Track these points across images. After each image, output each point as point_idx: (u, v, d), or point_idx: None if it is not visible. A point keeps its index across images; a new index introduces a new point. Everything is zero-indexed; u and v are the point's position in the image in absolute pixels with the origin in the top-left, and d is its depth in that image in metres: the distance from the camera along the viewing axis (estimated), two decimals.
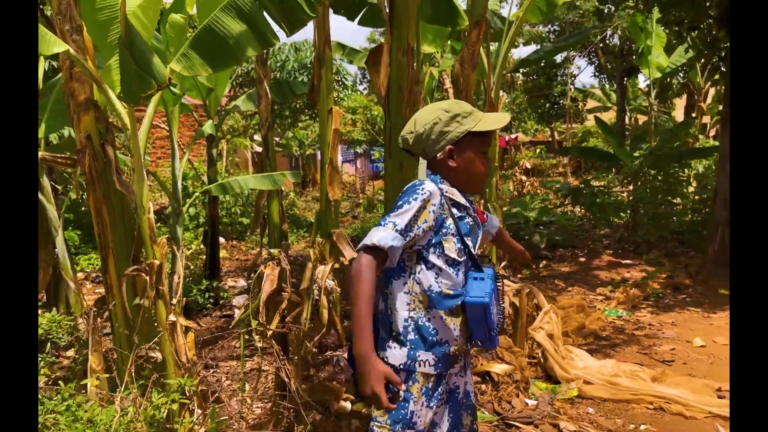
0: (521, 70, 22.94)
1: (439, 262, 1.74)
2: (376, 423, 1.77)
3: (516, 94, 26.57)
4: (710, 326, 4.97)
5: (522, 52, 52.05)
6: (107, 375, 2.78)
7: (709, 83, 13.19)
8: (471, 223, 1.84)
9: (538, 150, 21.57)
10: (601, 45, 19.98)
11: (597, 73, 23.11)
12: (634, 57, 13.85)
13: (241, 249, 9.64)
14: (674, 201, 8.54)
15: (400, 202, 1.69)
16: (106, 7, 2.55)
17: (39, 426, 2.10)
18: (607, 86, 23.42)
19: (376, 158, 18.67)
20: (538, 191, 13.15)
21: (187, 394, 2.52)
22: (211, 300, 5.80)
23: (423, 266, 1.75)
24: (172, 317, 2.67)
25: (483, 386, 3.65)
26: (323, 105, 4.09)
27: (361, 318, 1.62)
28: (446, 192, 1.76)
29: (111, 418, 1.98)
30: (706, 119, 17.14)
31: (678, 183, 8.32)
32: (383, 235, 1.64)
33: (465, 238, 1.78)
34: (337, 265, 3.92)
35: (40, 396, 2.35)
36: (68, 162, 3.43)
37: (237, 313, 5.77)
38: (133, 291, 2.87)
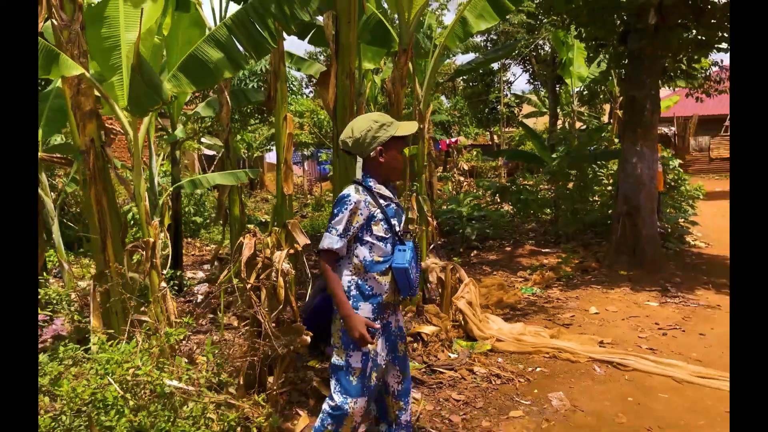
0: (461, 78, 24.06)
1: (372, 239, 2.50)
2: (335, 348, 2.53)
3: (457, 99, 27.74)
4: (606, 299, 5.94)
5: (464, 59, 53.61)
6: (107, 332, 3.42)
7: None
8: (395, 208, 2.61)
9: (475, 153, 22.67)
10: (534, 54, 21.33)
11: (531, 80, 24.54)
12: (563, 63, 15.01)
13: (195, 245, 10.18)
14: (591, 198, 9.62)
15: (336, 211, 2.46)
16: (109, 36, 3.20)
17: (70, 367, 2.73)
18: (542, 92, 24.65)
19: (324, 160, 19.34)
20: (474, 191, 14.15)
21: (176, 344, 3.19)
22: (176, 287, 6.39)
23: (359, 244, 2.50)
24: (163, 284, 3.34)
25: (415, 345, 4.45)
26: (278, 113, 4.83)
27: (338, 293, 2.43)
28: (375, 189, 2.52)
29: (130, 350, 2.65)
30: None
31: (592, 181, 9.40)
32: (330, 240, 2.42)
33: (391, 220, 2.55)
34: (291, 251, 4.63)
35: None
36: (63, 161, 4.04)
37: (200, 297, 6.40)
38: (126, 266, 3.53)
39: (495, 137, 27.54)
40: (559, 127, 17.90)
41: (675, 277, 6.73)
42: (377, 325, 2.47)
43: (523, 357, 4.36)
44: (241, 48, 3.31)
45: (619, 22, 7.79)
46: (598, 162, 9.65)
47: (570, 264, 7.37)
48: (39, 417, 2.29)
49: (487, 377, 3.97)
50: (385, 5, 5.55)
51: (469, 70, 10.05)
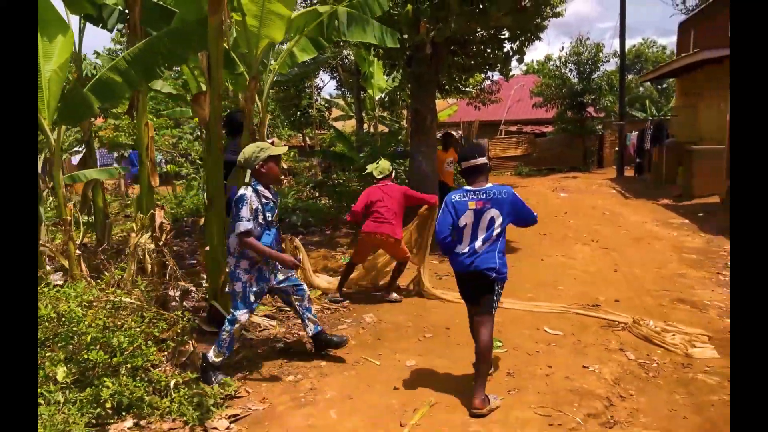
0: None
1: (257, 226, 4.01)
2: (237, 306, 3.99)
3: (268, 102, 28.94)
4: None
5: None
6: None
7: None
8: (272, 204, 4.13)
9: (292, 153, 24.16)
10: (341, 64, 23.47)
11: (339, 87, 26.70)
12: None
13: None
14: None
15: (240, 206, 3.91)
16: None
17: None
18: (348, 98, 26.74)
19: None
20: (293, 187, 15.72)
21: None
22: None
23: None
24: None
25: (267, 296, 5.92)
26: (140, 120, 5.96)
27: (268, 251, 3.96)
28: (261, 191, 4.03)
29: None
30: None
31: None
32: (243, 224, 3.88)
33: (267, 213, 4.06)
34: (156, 235, 5.81)
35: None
36: None
37: None
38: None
39: (308, 139, 29.31)
40: (365, 130, 20.12)
41: None
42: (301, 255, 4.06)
43: (351, 297, 6.08)
44: (135, 74, 4.51)
45: (407, 44, 9.93)
46: (397, 160, 11.81)
47: None
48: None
49: (321, 309, 5.62)
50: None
51: (286, 81, 11.61)
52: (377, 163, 6.21)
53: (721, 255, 8.01)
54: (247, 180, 4.49)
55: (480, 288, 3.72)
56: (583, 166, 25.63)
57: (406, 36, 8.30)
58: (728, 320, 5.29)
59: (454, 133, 24.56)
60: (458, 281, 3.89)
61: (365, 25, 6.13)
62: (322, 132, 29.16)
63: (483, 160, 3.78)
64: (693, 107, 18.58)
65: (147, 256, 5.48)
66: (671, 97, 30.87)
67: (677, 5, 33.12)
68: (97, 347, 3.52)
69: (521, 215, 3.76)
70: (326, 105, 27.95)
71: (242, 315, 4.02)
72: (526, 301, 5.84)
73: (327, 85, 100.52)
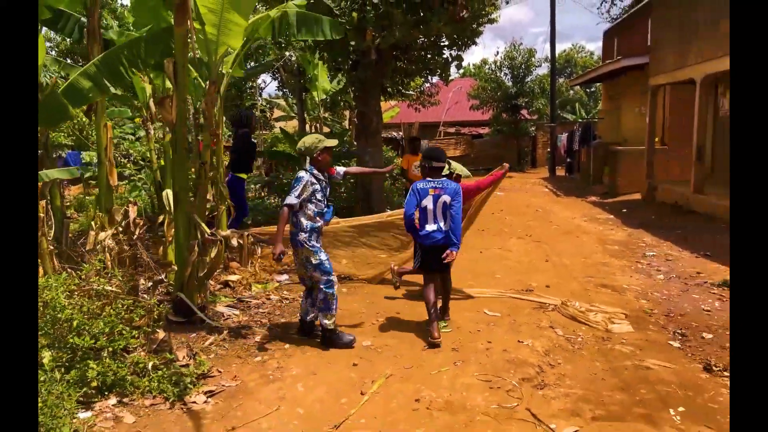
0: None
1: (311, 205, 4.58)
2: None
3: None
4: None
5: None
6: None
7: None
8: (324, 184, 4.69)
9: None
10: (283, 65, 23.65)
11: (280, 87, 26.83)
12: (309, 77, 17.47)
13: None
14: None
15: (295, 185, 4.52)
16: None
17: None
18: (290, 99, 26.91)
19: (87, 162, 19.02)
20: None
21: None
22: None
23: (306, 204, 4.56)
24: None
25: (226, 289, 6.25)
26: (99, 121, 6.19)
27: (279, 229, 4.48)
28: (315, 173, 4.59)
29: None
30: None
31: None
32: (290, 199, 4.46)
33: (323, 191, 4.64)
34: (114, 231, 6.06)
35: None
36: None
37: None
38: None
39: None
40: (309, 130, 20.42)
41: None
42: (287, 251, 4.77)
43: (292, 287, 6.48)
44: (104, 80, 4.78)
45: (352, 49, 10.38)
46: (343, 160, 12.23)
47: None
48: None
49: (280, 300, 6.01)
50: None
51: (233, 84, 11.84)
52: (449, 166, 5.67)
53: (640, 246, 8.87)
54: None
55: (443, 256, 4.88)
56: (517, 166, 26.81)
57: (353, 43, 8.74)
58: (643, 301, 6.04)
59: (395, 135, 25.21)
60: (426, 253, 5.05)
61: (313, 24, 6.51)
62: (264, 132, 29.21)
63: (444, 163, 5.15)
64: (617, 110, 19.87)
65: (108, 254, 5.75)
66: (599, 100, 32.61)
67: (602, 14, 35.01)
68: (81, 333, 3.81)
69: (458, 204, 4.91)
70: (268, 105, 28.05)
71: (333, 277, 4.78)
72: (467, 288, 6.41)
73: (268, 86, 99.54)
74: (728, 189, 12.95)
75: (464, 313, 5.57)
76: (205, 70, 6.24)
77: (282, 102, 27.74)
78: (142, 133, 12.61)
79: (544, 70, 29.80)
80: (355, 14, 8.60)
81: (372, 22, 8.45)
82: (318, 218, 4.72)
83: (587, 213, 12.52)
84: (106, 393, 3.78)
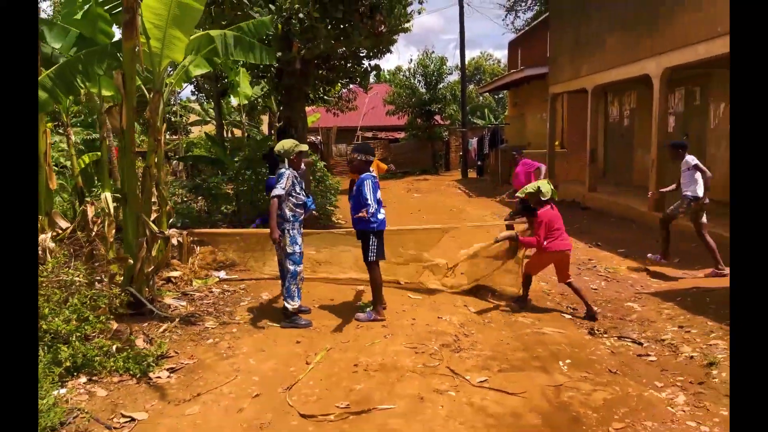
0: None
1: (292, 198, 5.21)
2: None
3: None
4: None
5: None
6: None
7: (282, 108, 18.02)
8: (299, 180, 5.32)
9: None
10: None
11: (195, 92, 26.62)
12: (225, 80, 17.64)
13: None
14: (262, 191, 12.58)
15: (280, 179, 5.19)
16: None
17: None
18: (206, 103, 26.69)
19: None
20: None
21: None
22: None
23: (288, 197, 5.18)
24: None
25: (169, 284, 6.67)
26: (39, 127, 6.43)
27: (272, 217, 5.10)
28: (292, 172, 5.20)
29: None
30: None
31: (260, 182, 12.39)
32: (278, 190, 5.09)
33: (300, 184, 5.31)
34: (54, 234, 6.35)
35: None
36: None
37: None
38: None
39: (162, 144, 28.65)
40: (225, 135, 20.54)
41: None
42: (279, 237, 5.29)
43: (245, 283, 6.99)
44: (59, 90, 5.13)
45: (277, 59, 10.90)
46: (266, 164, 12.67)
47: None
48: None
49: (222, 292, 6.52)
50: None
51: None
52: (539, 187, 5.86)
53: None
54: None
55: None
56: (432, 169, 28.14)
57: (280, 54, 9.31)
58: (542, 284, 7.01)
59: (314, 139, 25.71)
60: (380, 239, 5.61)
61: (249, 48, 7.08)
62: (175, 138, 28.76)
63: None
64: (522, 116, 21.44)
65: (48, 254, 6.03)
66: (507, 106, 34.61)
67: (507, 25, 37.16)
68: (50, 320, 4.21)
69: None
70: (184, 110, 27.73)
71: (300, 267, 5.47)
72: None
73: (183, 90, 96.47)
74: (618, 188, 14.34)
75: (392, 298, 6.30)
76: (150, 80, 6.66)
77: (196, 106, 27.46)
78: (56, 138, 12.53)
79: (455, 77, 31.34)
80: (280, 26, 9.18)
81: (298, 35, 9.06)
82: (299, 209, 5.43)
83: (497, 211, 13.67)
84: (76, 373, 4.20)
